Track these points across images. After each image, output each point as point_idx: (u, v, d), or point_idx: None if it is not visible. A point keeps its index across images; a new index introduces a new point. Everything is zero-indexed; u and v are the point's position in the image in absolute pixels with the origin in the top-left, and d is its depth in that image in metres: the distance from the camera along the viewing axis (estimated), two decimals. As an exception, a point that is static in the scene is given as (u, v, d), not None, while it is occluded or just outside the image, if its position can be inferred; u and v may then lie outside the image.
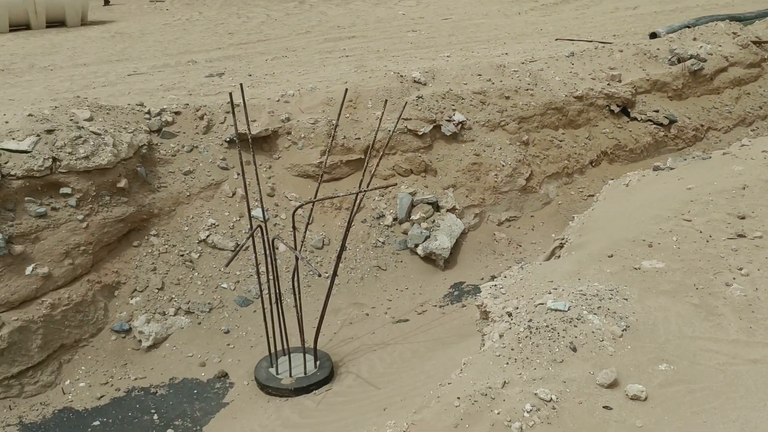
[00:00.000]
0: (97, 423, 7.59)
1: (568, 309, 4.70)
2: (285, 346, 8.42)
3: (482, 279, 10.57)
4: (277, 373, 8.13)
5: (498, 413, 3.79)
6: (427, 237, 10.73)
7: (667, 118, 13.62)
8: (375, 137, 7.81)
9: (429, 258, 10.74)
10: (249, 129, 7.13)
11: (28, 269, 8.17)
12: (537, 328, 4.50)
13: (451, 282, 10.51)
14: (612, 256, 5.59)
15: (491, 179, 11.93)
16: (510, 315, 5.06)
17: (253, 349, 8.81)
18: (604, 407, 3.87)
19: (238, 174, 10.57)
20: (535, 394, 3.91)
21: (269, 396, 7.95)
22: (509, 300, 5.31)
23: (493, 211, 11.89)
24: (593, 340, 4.38)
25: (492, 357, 4.34)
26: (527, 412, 3.79)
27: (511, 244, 11.49)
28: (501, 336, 4.82)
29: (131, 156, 9.51)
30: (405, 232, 10.94)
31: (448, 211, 11.30)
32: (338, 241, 10.51)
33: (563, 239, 6.99)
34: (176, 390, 8.12)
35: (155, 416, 7.67)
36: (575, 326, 4.50)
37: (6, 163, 8.35)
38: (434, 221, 11.01)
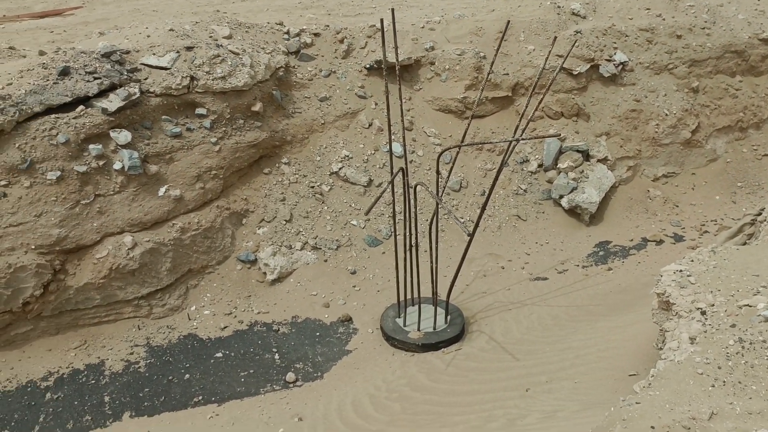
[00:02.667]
0: (219, 355, 7.40)
1: (790, 320, 3.76)
2: (415, 296, 7.88)
3: (631, 240, 9.53)
4: (405, 325, 7.61)
5: (706, 455, 3.01)
6: (574, 188, 9.74)
7: None
8: (539, 76, 6.85)
9: (573, 211, 9.78)
10: (397, 57, 6.38)
11: (161, 190, 7.96)
12: (751, 343, 3.61)
13: (596, 240, 9.53)
14: (838, 250, 4.53)
15: (651, 129, 10.64)
16: (704, 314, 4.17)
17: (379, 294, 8.33)
18: None
19: (377, 104, 9.90)
20: (755, 435, 3.08)
21: (394, 348, 7.47)
22: (701, 293, 4.41)
23: (649, 164, 10.65)
24: (825, 366, 3.46)
25: (691, 373, 3.51)
26: (745, 459, 2.99)
27: (667, 204, 10.28)
28: (693, 340, 3.96)
29: (268, 78, 9.02)
30: (550, 181, 9.98)
31: (598, 161, 10.19)
32: (476, 185, 9.75)
33: (758, 215, 5.88)
34: (298, 330, 7.80)
35: (276, 356, 7.39)
36: (800, 344, 3.58)
37: (145, 79, 8.06)
38: (583, 171, 9.96)
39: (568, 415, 4.85)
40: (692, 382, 3.46)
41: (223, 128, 8.53)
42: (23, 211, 7.15)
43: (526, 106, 7.09)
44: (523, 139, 6.40)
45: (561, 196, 9.74)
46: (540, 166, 10.08)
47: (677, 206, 10.28)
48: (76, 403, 6.71)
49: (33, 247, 7.14)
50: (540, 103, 6.82)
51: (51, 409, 6.62)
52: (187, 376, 7.10)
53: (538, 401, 5.50)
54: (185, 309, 7.99)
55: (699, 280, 4.57)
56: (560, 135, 6.30)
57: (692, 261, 4.86)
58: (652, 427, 3.16)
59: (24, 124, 7.27)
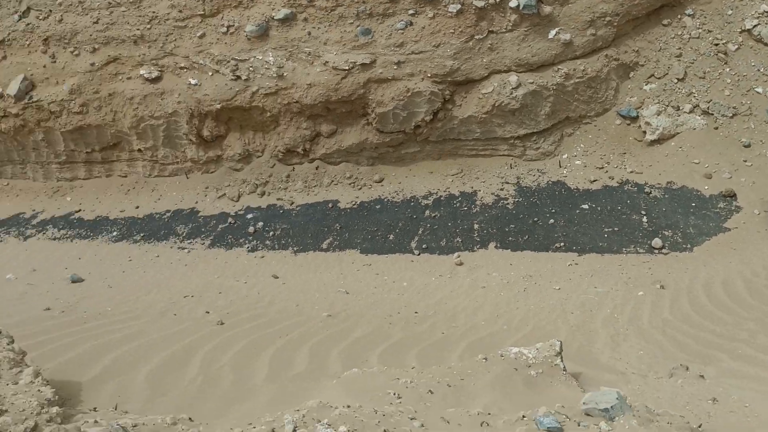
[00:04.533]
0: (585, 207, 7.36)
1: None
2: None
3: None
4: (802, 213, 6.67)
5: None
6: None
7: None
8: None
9: None
10: None
11: (551, 33, 7.79)
12: None
13: None
14: None
15: None
16: None
17: (774, 173, 7.36)
18: None
19: (817, -50, 8.20)
20: None
21: (784, 235, 6.64)
22: None
23: None
24: None
25: None
26: None
27: None
28: None
29: None
30: None
31: None
32: None
33: None
34: (672, 196, 7.33)
35: (644, 219, 7.08)
36: None
37: None
38: None
39: None
40: None
41: (627, -30, 7.90)
42: (424, 41, 7.63)
43: None
44: None
45: None
46: None
47: None
48: (449, 224, 7.34)
49: (429, 75, 7.66)
50: None
51: (428, 225, 7.35)
52: (552, 221, 7.23)
53: None
54: (557, 156, 8.01)
55: None
56: None
57: None
58: None
59: (435, -44, 7.57)
